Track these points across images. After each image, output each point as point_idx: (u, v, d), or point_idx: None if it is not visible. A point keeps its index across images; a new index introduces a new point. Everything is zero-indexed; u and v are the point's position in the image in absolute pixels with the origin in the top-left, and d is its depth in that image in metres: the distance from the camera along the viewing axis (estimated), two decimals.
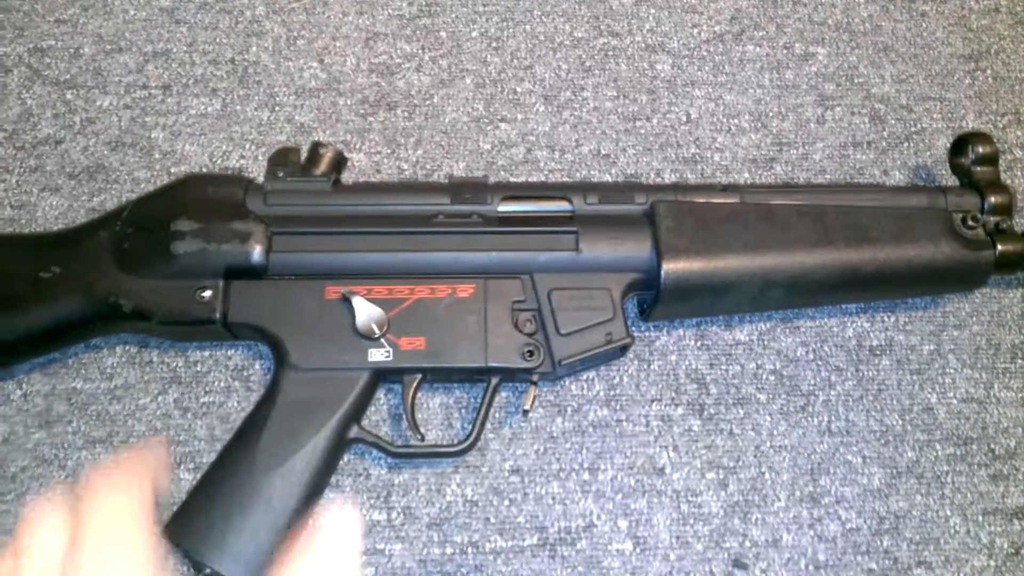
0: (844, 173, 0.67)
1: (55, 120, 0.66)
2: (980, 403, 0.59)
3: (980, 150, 0.59)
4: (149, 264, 0.52)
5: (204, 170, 0.64)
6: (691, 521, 0.55)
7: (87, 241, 0.54)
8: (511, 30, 0.71)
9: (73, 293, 0.52)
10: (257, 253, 0.52)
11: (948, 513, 0.56)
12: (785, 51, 0.72)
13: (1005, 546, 0.55)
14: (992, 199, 0.57)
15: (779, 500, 0.56)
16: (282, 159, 0.56)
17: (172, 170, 0.64)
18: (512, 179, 0.65)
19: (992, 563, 0.55)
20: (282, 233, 0.54)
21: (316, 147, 0.57)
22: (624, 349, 0.55)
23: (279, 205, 0.55)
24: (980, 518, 0.56)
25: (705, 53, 0.71)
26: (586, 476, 0.56)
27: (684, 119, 0.68)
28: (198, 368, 0.58)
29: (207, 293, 0.52)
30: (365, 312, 0.52)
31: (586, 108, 0.69)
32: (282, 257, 0.53)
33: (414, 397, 0.53)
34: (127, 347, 0.58)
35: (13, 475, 0.54)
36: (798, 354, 0.60)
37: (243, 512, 0.47)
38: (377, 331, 0.51)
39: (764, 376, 0.59)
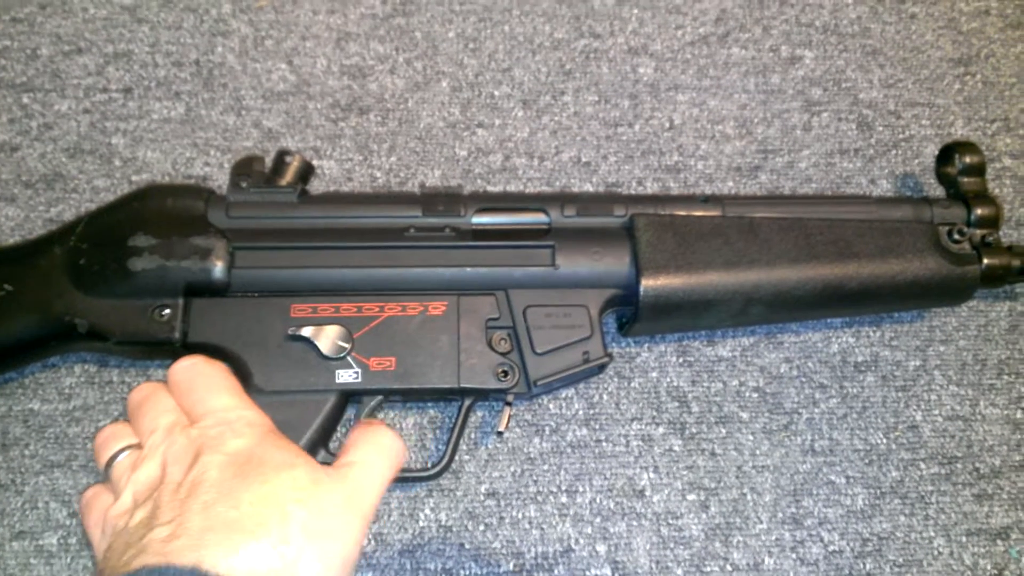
0: (830, 182, 0.65)
1: (10, 125, 0.63)
2: (965, 421, 0.58)
3: (967, 160, 0.57)
4: (105, 282, 0.50)
5: (167, 178, 0.62)
6: (671, 545, 0.53)
7: (40, 257, 0.51)
8: (489, 31, 0.69)
9: (26, 313, 0.50)
10: (218, 269, 0.50)
11: (932, 534, 0.55)
12: (771, 54, 0.70)
13: (988, 567, 0.54)
14: (978, 211, 0.56)
15: (761, 522, 0.54)
16: (246, 168, 0.54)
17: (133, 178, 0.61)
18: (489, 188, 0.63)
19: None
20: (245, 248, 0.51)
21: (282, 156, 0.54)
22: (602, 367, 0.53)
23: (242, 218, 0.52)
24: (964, 539, 0.55)
25: (689, 56, 0.69)
26: (564, 499, 0.54)
27: (667, 125, 0.66)
28: None
29: (166, 312, 0.50)
30: (326, 339, 0.49)
31: (566, 113, 0.66)
32: (245, 273, 0.51)
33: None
34: (86, 366, 0.56)
35: None
36: (781, 371, 0.58)
37: None
38: (346, 347, 0.50)
39: (747, 393, 0.57)
